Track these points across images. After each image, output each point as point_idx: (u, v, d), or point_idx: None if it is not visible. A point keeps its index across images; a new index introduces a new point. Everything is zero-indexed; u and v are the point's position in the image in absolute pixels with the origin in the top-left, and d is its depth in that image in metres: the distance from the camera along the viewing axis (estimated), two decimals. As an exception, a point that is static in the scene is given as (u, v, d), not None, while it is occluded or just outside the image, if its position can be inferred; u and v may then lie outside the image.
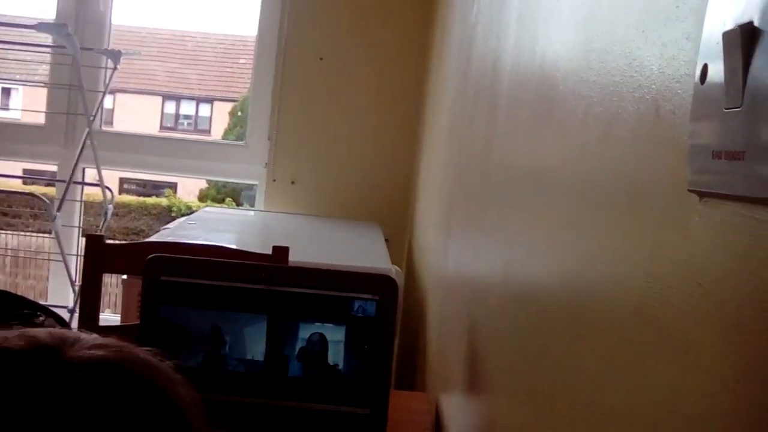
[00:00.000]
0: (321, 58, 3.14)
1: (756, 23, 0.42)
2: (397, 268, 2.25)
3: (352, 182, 3.17)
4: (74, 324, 1.96)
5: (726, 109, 0.44)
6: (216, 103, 10.05)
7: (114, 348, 0.67)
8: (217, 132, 9.35)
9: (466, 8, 1.93)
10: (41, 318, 1.46)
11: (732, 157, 0.43)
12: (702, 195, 0.47)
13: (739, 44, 0.43)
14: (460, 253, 1.60)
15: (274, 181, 3.18)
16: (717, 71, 0.46)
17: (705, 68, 0.48)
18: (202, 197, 8.31)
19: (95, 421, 0.61)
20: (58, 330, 0.69)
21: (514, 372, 0.97)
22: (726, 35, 0.44)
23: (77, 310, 2.60)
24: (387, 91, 3.15)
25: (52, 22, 3.17)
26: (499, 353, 1.07)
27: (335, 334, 1.37)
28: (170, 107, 10.52)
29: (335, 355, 1.37)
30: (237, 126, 8.31)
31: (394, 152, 3.15)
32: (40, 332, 0.66)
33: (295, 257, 1.94)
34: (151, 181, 8.74)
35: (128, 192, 8.73)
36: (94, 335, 0.69)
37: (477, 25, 1.72)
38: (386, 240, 2.66)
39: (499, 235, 1.15)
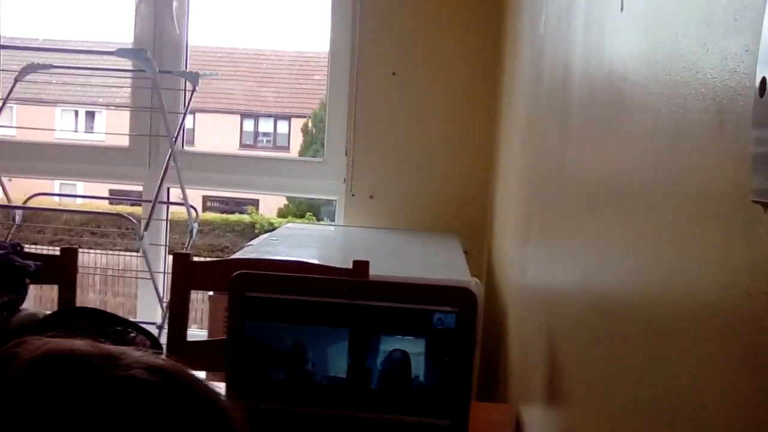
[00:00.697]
0: (394, 73, 3.17)
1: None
2: (477, 279, 2.26)
3: (429, 195, 3.19)
4: (163, 340, 2.03)
5: (785, 121, 0.45)
6: (293, 120, 10.18)
7: (167, 361, 0.71)
8: (296, 148, 9.47)
9: (535, 18, 1.94)
10: (132, 334, 1.53)
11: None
12: (767, 206, 0.48)
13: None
14: (537, 264, 1.61)
15: (353, 195, 3.22)
16: (776, 84, 0.47)
17: (764, 81, 0.48)
18: (283, 214, 8.42)
19: (156, 415, 0.65)
20: (104, 344, 0.73)
21: (593, 383, 0.97)
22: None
23: (166, 326, 2.68)
24: (460, 103, 3.16)
25: (131, 47, 3.28)
26: (578, 364, 1.08)
27: (416, 347, 1.39)
28: (249, 125, 10.70)
29: (416, 367, 1.39)
30: (313, 143, 8.41)
31: (471, 163, 3.16)
32: (96, 343, 0.71)
33: (375, 271, 1.97)
34: (234, 198, 8.91)
35: (212, 209, 8.90)
36: (156, 355, 0.73)
37: (546, 36, 1.73)
38: (465, 252, 2.67)
39: (575, 245, 1.16)
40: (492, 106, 3.09)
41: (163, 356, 0.73)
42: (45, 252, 2.21)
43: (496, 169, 2.91)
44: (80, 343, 0.70)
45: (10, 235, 3.17)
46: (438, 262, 2.52)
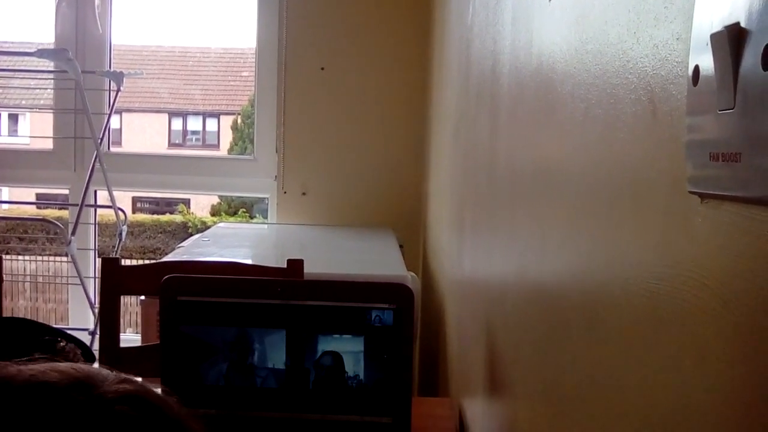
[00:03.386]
0: (322, 68, 3.15)
1: (743, 24, 0.42)
2: (413, 274, 2.25)
3: (362, 189, 3.18)
4: (95, 346, 1.98)
5: (720, 110, 0.44)
6: (222, 117, 10.08)
7: (134, 382, 0.68)
8: (226, 146, 9.39)
9: (463, 10, 1.94)
10: (62, 343, 1.48)
11: (729, 158, 0.43)
12: (703, 196, 0.48)
13: (728, 46, 0.43)
14: (473, 256, 1.61)
15: (285, 193, 3.19)
16: (708, 72, 0.46)
17: (697, 69, 0.48)
18: (215, 212, 8.33)
19: None
20: (80, 365, 0.70)
21: (533, 374, 0.97)
22: (714, 37, 0.44)
23: (98, 331, 2.63)
24: (391, 97, 3.16)
25: (52, 47, 3.20)
26: (517, 355, 1.08)
27: (354, 345, 1.38)
28: (177, 124, 10.56)
29: (355, 366, 1.38)
30: (241, 140, 8.33)
31: (403, 157, 3.16)
32: (68, 367, 0.67)
33: (310, 269, 1.95)
34: (164, 198, 8.78)
35: (142, 210, 8.77)
36: (113, 372, 0.70)
37: (473, 27, 1.73)
38: (401, 246, 2.66)
39: (510, 236, 1.16)
40: (422, 99, 3.09)
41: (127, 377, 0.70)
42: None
43: (428, 161, 2.91)
44: (44, 369, 0.66)
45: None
46: (374, 258, 2.51)
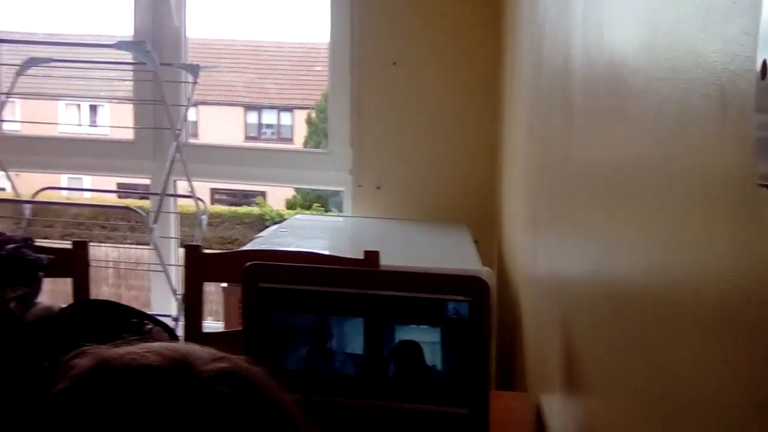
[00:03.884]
0: (394, 63, 3.17)
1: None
2: (488, 269, 2.26)
3: (437, 184, 3.19)
4: (179, 332, 2.03)
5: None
6: (296, 112, 10.17)
7: (228, 359, 0.71)
8: (300, 140, 9.47)
9: (534, 6, 1.94)
10: (149, 326, 1.53)
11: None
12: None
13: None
14: (548, 252, 1.61)
15: (360, 186, 3.22)
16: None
17: (764, 64, 0.48)
18: (291, 205, 8.43)
19: (238, 428, 0.66)
20: (173, 344, 0.73)
21: (608, 369, 0.98)
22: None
23: (181, 318, 2.69)
24: (463, 91, 3.16)
25: (130, 40, 3.28)
26: (593, 351, 1.08)
27: (431, 336, 1.40)
28: (252, 117, 10.69)
29: (432, 356, 1.40)
30: (315, 134, 8.40)
31: (477, 152, 3.16)
32: (162, 348, 0.70)
33: (385, 261, 1.98)
34: (242, 190, 8.91)
35: (220, 202, 8.91)
36: (205, 348, 0.73)
37: (545, 23, 1.73)
38: (475, 241, 2.67)
39: (584, 232, 1.17)
40: (495, 93, 3.09)
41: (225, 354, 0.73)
42: (56, 246, 2.21)
43: (502, 157, 2.91)
44: (142, 351, 0.69)
45: (20, 230, 3.18)
46: (448, 252, 2.52)
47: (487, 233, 3.06)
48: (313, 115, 8.91)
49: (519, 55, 2.37)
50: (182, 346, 0.72)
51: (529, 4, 2.10)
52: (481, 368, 1.38)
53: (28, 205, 3.30)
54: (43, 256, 1.77)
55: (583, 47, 1.22)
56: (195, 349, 0.71)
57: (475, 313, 1.38)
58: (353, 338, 1.41)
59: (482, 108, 3.14)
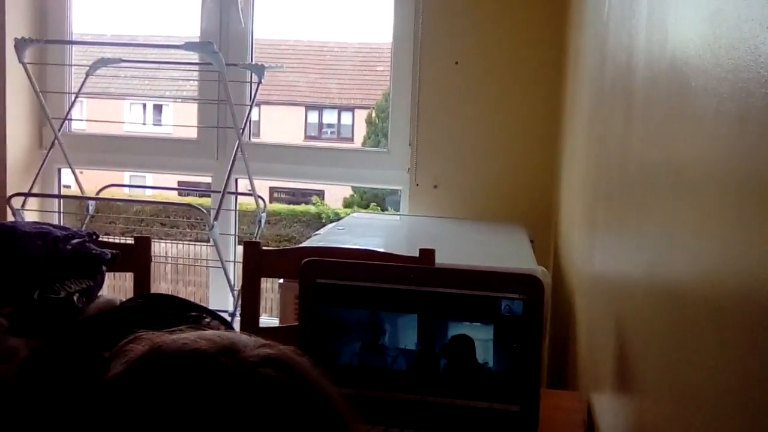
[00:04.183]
0: (456, 63, 3.17)
1: None
2: (543, 268, 2.25)
3: (494, 184, 3.19)
4: (236, 327, 2.07)
5: None
6: (357, 111, 10.22)
7: (273, 346, 0.74)
8: (360, 139, 9.51)
9: (599, 5, 1.93)
10: (207, 319, 1.57)
11: None
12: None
13: None
14: (604, 252, 1.60)
15: (417, 185, 3.23)
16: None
17: None
18: (348, 204, 8.47)
19: (282, 411, 0.68)
20: (223, 332, 0.76)
21: (661, 371, 0.97)
22: None
23: (238, 314, 2.74)
24: (524, 91, 3.15)
25: (198, 41, 3.34)
26: (646, 352, 1.08)
27: (484, 333, 1.41)
28: (313, 117, 10.77)
29: (485, 353, 1.40)
30: (374, 133, 8.43)
31: (535, 152, 3.15)
32: (213, 335, 0.74)
33: (441, 259, 1.99)
34: (300, 189, 8.99)
35: (278, 200, 9.00)
36: (253, 336, 0.76)
37: (609, 22, 1.72)
38: (531, 241, 2.67)
39: (640, 231, 1.16)
40: (556, 94, 3.08)
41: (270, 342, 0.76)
42: (118, 241, 2.27)
43: (561, 157, 2.90)
44: (194, 337, 0.73)
45: (84, 226, 3.26)
46: (504, 251, 2.52)
47: (543, 233, 3.05)
48: (373, 114, 8.94)
49: (582, 55, 2.36)
50: (230, 333, 0.76)
51: (593, 5, 2.10)
52: (533, 366, 1.38)
53: (91, 202, 3.38)
54: (106, 251, 1.83)
55: (646, 47, 1.22)
56: (242, 336, 0.75)
57: (528, 312, 1.39)
58: (406, 334, 1.42)
59: (542, 107, 3.13)
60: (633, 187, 1.26)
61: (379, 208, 7.15)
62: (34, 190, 3.22)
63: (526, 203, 3.14)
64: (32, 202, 3.22)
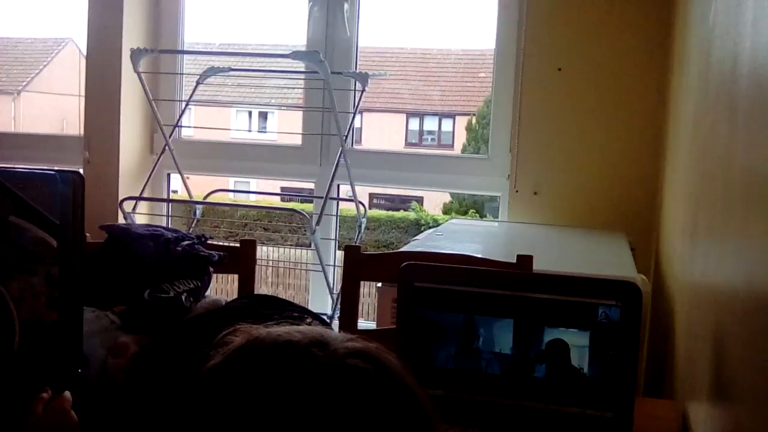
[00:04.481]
0: (559, 69, 3.16)
1: None
2: (643, 276, 2.23)
3: (595, 191, 3.16)
4: (335, 329, 2.12)
5: None
6: (458, 118, 10.22)
7: (360, 340, 0.79)
8: (460, 146, 9.51)
9: (704, 11, 1.91)
10: (308, 320, 1.62)
11: None
12: None
13: None
14: (705, 260, 1.59)
15: (517, 192, 3.23)
16: None
17: None
18: (447, 210, 8.48)
19: (368, 400, 0.72)
20: (314, 327, 0.81)
21: (760, 381, 0.97)
22: None
23: (336, 316, 2.79)
24: (627, 98, 3.11)
25: (304, 50, 3.42)
26: (744, 361, 1.07)
27: (580, 339, 1.41)
28: (414, 124, 10.82)
29: (580, 360, 1.41)
30: (474, 140, 8.41)
31: (638, 160, 3.11)
32: (305, 328, 0.79)
33: (539, 266, 1.99)
34: (399, 195, 9.05)
35: (378, 206, 9.07)
36: (341, 332, 0.81)
37: (715, 28, 1.70)
38: (632, 249, 2.64)
39: (743, 240, 1.15)
40: (659, 101, 3.03)
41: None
42: (224, 244, 2.36)
43: (664, 164, 2.85)
44: (287, 330, 0.78)
45: (190, 229, 3.38)
46: (603, 259, 2.50)
47: (644, 241, 3.00)
48: (474, 121, 8.93)
49: (686, 62, 2.33)
50: (320, 328, 0.81)
51: (699, 11, 2.07)
52: (629, 373, 1.38)
53: (199, 206, 3.49)
54: (214, 253, 1.90)
55: (751, 53, 1.21)
56: (331, 331, 0.81)
57: (626, 319, 1.39)
58: (501, 339, 1.44)
59: (645, 114, 3.09)
60: (736, 195, 1.25)
61: (477, 214, 7.14)
62: (145, 194, 3.34)
63: (628, 211, 3.10)
64: (142, 206, 3.35)
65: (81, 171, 2.53)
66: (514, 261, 1.98)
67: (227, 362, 0.77)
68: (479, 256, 2.13)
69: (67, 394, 1.30)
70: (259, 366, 0.75)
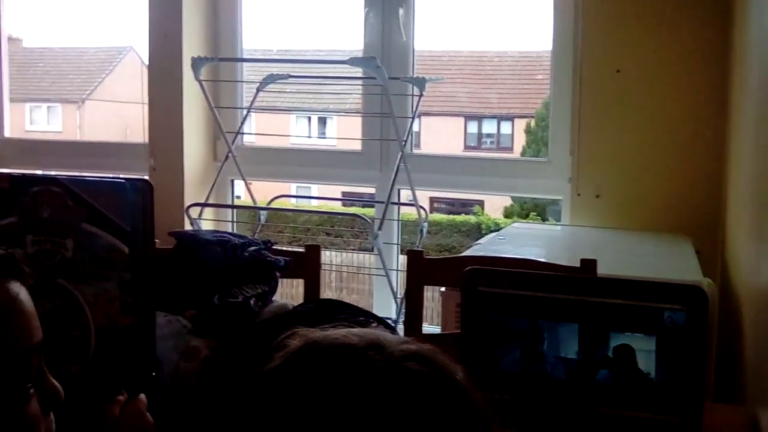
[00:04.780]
0: (618, 71, 3.13)
1: None
2: (710, 280, 2.21)
3: (659, 193, 3.12)
4: (400, 333, 2.14)
5: None
6: (516, 120, 10.17)
7: (415, 343, 0.81)
8: (519, 149, 9.46)
9: (762, 9, 1.89)
10: (374, 324, 1.64)
11: None
12: None
13: None
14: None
15: (579, 195, 3.21)
16: None
17: None
18: (508, 214, 8.45)
19: (425, 403, 0.74)
20: (370, 330, 0.83)
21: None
22: None
23: (401, 321, 2.81)
24: (689, 99, 3.07)
25: (362, 56, 3.44)
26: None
27: (646, 344, 1.41)
28: (472, 127, 10.79)
29: (646, 364, 1.41)
30: (534, 142, 8.36)
31: (701, 161, 3.07)
32: (361, 331, 0.81)
33: (602, 270, 1.99)
34: (459, 199, 9.04)
35: (439, 210, 9.08)
36: (396, 334, 0.83)
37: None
38: (698, 252, 2.61)
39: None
40: (720, 101, 2.99)
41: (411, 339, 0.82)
42: (289, 249, 2.39)
43: (728, 166, 2.82)
44: (344, 333, 0.80)
45: (255, 234, 3.42)
46: (667, 262, 2.48)
47: (710, 244, 2.96)
48: (533, 123, 8.88)
49: (747, 61, 2.30)
50: (377, 331, 0.83)
51: (758, 9, 2.05)
52: (696, 378, 1.37)
53: (263, 212, 3.54)
54: (280, 258, 1.94)
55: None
56: (387, 334, 0.82)
57: (692, 323, 1.38)
58: (566, 343, 1.44)
59: (707, 115, 3.05)
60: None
61: (539, 218, 7.10)
62: (210, 201, 3.40)
63: (692, 213, 3.06)
64: (207, 212, 3.41)
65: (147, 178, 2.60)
66: (578, 265, 1.97)
67: (285, 365, 0.79)
68: (542, 260, 2.13)
69: (143, 396, 1.34)
70: (317, 369, 0.77)
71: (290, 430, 0.74)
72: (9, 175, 1.64)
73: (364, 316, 1.64)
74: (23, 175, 1.73)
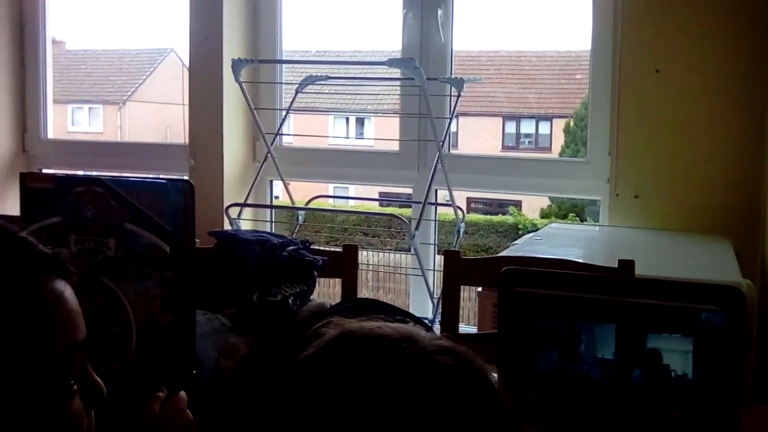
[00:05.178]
0: (657, 71, 3.11)
1: None
2: (749, 281, 2.19)
3: (698, 194, 3.10)
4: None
5: None
6: (555, 121, 10.12)
7: (447, 338, 0.82)
8: (558, 149, 9.42)
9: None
10: (410, 323, 1.65)
11: None
12: None
13: None
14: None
15: (617, 195, 3.19)
16: None
17: None
18: (545, 214, 8.41)
19: (456, 396, 0.75)
20: (403, 324, 0.85)
21: None
22: None
23: (437, 320, 2.82)
24: (728, 99, 3.04)
25: (400, 57, 3.45)
26: None
27: (683, 345, 1.40)
28: (510, 127, 10.77)
29: (684, 366, 1.40)
30: (573, 142, 8.32)
31: (741, 161, 3.03)
32: (395, 324, 0.83)
33: (641, 271, 1.98)
34: (497, 199, 9.02)
35: (476, 211, 9.07)
36: (428, 330, 0.84)
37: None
38: (737, 253, 2.58)
39: None
40: (760, 102, 2.96)
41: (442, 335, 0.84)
42: (327, 249, 2.41)
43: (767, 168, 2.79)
44: (379, 324, 0.82)
45: (293, 234, 3.45)
46: (706, 263, 2.46)
47: (750, 245, 2.93)
48: (572, 123, 8.83)
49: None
50: (411, 326, 0.84)
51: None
52: (734, 380, 1.37)
53: (301, 212, 3.57)
54: (318, 257, 1.95)
55: None
56: (421, 329, 0.84)
57: (730, 324, 1.38)
58: (603, 344, 1.44)
59: (746, 116, 3.01)
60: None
61: (577, 218, 7.06)
62: (249, 201, 3.43)
63: (732, 214, 3.03)
64: (246, 212, 3.44)
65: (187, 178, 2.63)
66: (615, 266, 1.97)
67: (320, 353, 0.81)
68: (579, 260, 2.13)
69: (183, 393, 1.36)
70: (351, 358, 0.78)
71: (322, 417, 0.75)
72: (53, 175, 1.67)
73: (401, 315, 1.65)
74: (67, 175, 1.77)
